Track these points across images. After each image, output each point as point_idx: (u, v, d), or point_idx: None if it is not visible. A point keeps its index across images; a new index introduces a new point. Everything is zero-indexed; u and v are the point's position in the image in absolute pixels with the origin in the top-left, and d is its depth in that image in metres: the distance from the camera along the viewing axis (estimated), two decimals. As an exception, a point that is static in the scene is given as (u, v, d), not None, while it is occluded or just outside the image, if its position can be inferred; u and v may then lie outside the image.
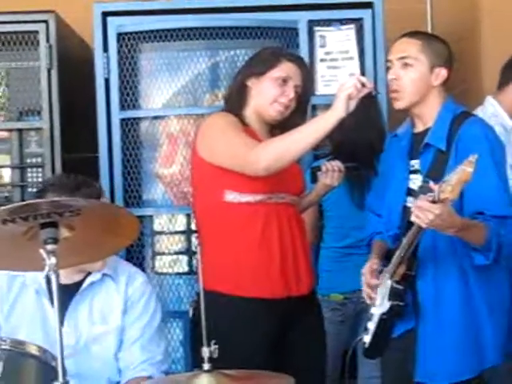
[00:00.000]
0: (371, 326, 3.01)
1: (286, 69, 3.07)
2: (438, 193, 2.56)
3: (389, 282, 2.91)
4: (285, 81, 3.06)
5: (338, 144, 3.63)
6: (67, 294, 2.86)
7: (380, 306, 2.96)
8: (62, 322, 2.75)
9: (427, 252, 2.88)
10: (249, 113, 3.12)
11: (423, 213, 2.61)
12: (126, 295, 2.94)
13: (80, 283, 2.91)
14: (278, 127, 3.12)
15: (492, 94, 4.09)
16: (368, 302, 3.02)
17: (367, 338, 3.02)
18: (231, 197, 3.02)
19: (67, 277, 2.87)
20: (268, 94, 3.06)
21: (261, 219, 3.02)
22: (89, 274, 2.92)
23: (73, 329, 2.86)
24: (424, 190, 2.76)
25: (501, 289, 2.94)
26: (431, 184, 2.63)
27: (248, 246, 3.02)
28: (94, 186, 2.92)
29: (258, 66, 3.11)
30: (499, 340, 2.92)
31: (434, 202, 2.59)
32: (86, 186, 2.85)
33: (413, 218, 2.66)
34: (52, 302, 2.74)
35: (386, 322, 2.95)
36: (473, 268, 2.86)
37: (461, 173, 2.49)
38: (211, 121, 3.11)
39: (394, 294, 2.90)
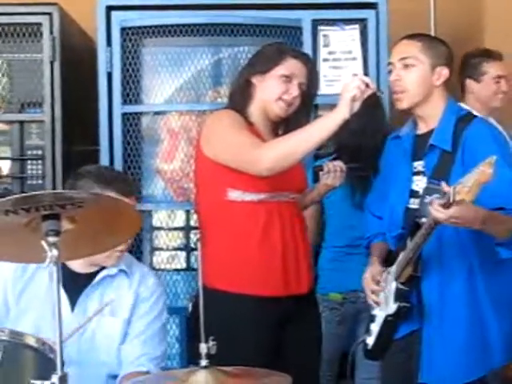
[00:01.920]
0: (375, 327, 3.01)
1: (289, 66, 3.07)
2: (452, 194, 2.54)
3: (394, 284, 2.92)
4: (289, 78, 3.06)
5: (343, 145, 3.62)
6: (81, 283, 2.89)
7: (384, 307, 2.97)
8: (72, 309, 2.85)
9: (432, 253, 2.88)
10: (253, 109, 3.12)
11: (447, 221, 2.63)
12: (137, 292, 2.95)
13: (95, 274, 2.92)
14: (283, 124, 3.13)
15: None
16: (374, 306, 3.02)
17: (370, 340, 3.02)
18: (234, 195, 3.03)
19: (83, 267, 2.89)
20: (272, 92, 3.06)
21: (263, 217, 3.03)
22: (103, 267, 2.94)
23: (81, 317, 2.86)
24: (429, 191, 2.76)
25: (507, 287, 2.94)
26: (444, 186, 2.62)
27: (250, 243, 3.03)
28: (128, 183, 2.94)
29: (263, 63, 3.11)
30: (506, 339, 2.92)
31: (448, 203, 2.58)
32: (120, 181, 2.88)
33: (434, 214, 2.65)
34: (65, 288, 2.79)
35: (391, 323, 2.95)
36: (481, 266, 2.86)
37: (480, 174, 2.48)
38: (216, 118, 3.11)
39: (399, 296, 2.91)
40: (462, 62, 4.30)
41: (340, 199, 3.68)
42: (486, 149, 2.80)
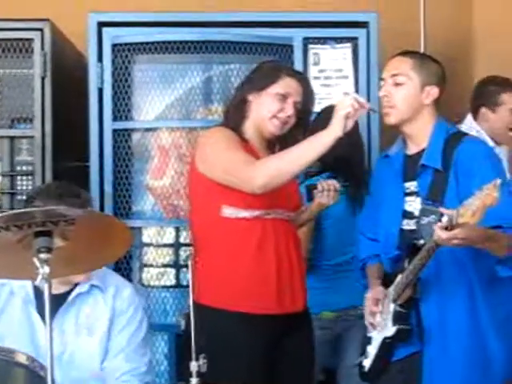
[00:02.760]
0: (372, 350, 2.99)
1: (285, 85, 3.07)
2: (455, 217, 2.54)
3: (392, 306, 2.91)
4: (284, 96, 3.07)
5: (338, 163, 3.62)
6: (54, 304, 2.82)
7: (382, 329, 2.95)
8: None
9: (431, 274, 2.87)
10: (248, 127, 3.11)
11: (450, 242, 2.62)
12: (113, 306, 2.92)
13: (67, 293, 2.89)
14: (278, 142, 3.13)
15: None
16: (370, 329, 3.01)
17: (367, 362, 3.01)
18: (228, 212, 3.02)
19: (54, 287, 2.84)
20: (267, 110, 3.06)
21: (257, 235, 3.02)
22: (76, 284, 2.91)
23: (59, 338, 2.83)
24: (425, 212, 2.76)
25: (507, 305, 2.93)
26: (443, 210, 2.62)
27: (244, 261, 3.01)
28: (78, 196, 2.86)
29: (259, 80, 3.11)
30: (507, 359, 2.90)
31: (451, 226, 2.57)
32: (68, 196, 2.81)
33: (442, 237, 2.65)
34: (39, 312, 2.77)
35: (388, 345, 2.94)
36: (481, 285, 2.86)
37: (486, 197, 2.46)
38: (209, 136, 3.11)
39: (398, 318, 2.89)
40: (477, 89, 4.26)
41: (339, 217, 3.66)
42: (479, 167, 2.81)
